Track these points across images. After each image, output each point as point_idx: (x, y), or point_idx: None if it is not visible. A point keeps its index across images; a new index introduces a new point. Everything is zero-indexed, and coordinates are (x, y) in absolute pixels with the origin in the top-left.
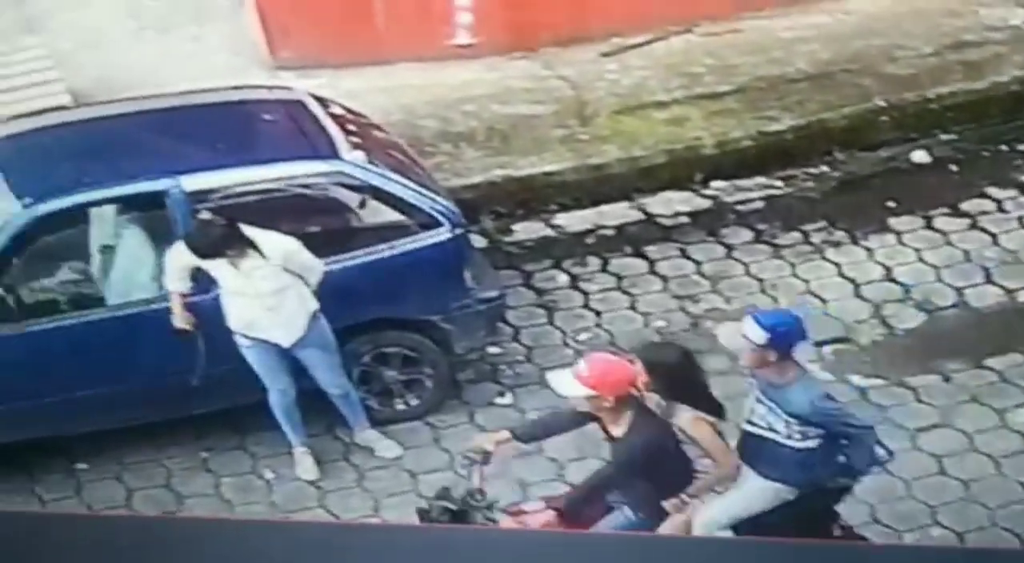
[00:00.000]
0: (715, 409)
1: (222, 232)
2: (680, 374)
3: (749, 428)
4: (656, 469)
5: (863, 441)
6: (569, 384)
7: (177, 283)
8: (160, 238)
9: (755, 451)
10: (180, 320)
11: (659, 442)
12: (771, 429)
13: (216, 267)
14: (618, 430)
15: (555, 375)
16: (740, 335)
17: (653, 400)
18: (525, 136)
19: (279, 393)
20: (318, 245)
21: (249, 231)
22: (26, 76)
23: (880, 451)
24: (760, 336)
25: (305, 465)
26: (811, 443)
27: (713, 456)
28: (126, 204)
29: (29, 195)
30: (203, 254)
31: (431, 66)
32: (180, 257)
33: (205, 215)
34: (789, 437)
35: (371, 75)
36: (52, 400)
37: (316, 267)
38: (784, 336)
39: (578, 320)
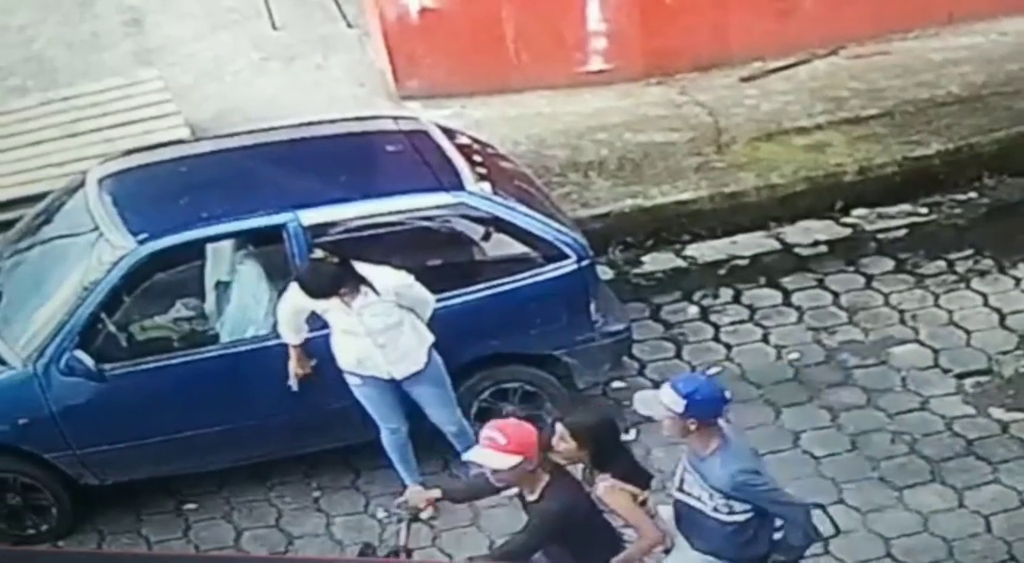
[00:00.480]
0: (640, 477)
1: (335, 271)
2: (604, 440)
3: (679, 496)
4: (576, 536)
5: (795, 519)
6: (494, 457)
7: (293, 335)
8: (276, 273)
9: (686, 521)
10: (298, 368)
11: (576, 507)
12: (699, 500)
13: (328, 309)
14: (533, 495)
15: (474, 453)
16: (658, 402)
17: (577, 468)
18: (658, 164)
19: (390, 431)
20: (439, 279)
21: (360, 267)
22: (144, 109)
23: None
24: (677, 403)
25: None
26: (739, 517)
27: (633, 526)
28: (243, 239)
29: (144, 231)
30: (316, 295)
31: (562, 94)
32: (293, 303)
33: (317, 254)
34: (715, 510)
35: (499, 104)
36: (162, 439)
37: (428, 300)
38: (703, 404)
39: (707, 353)
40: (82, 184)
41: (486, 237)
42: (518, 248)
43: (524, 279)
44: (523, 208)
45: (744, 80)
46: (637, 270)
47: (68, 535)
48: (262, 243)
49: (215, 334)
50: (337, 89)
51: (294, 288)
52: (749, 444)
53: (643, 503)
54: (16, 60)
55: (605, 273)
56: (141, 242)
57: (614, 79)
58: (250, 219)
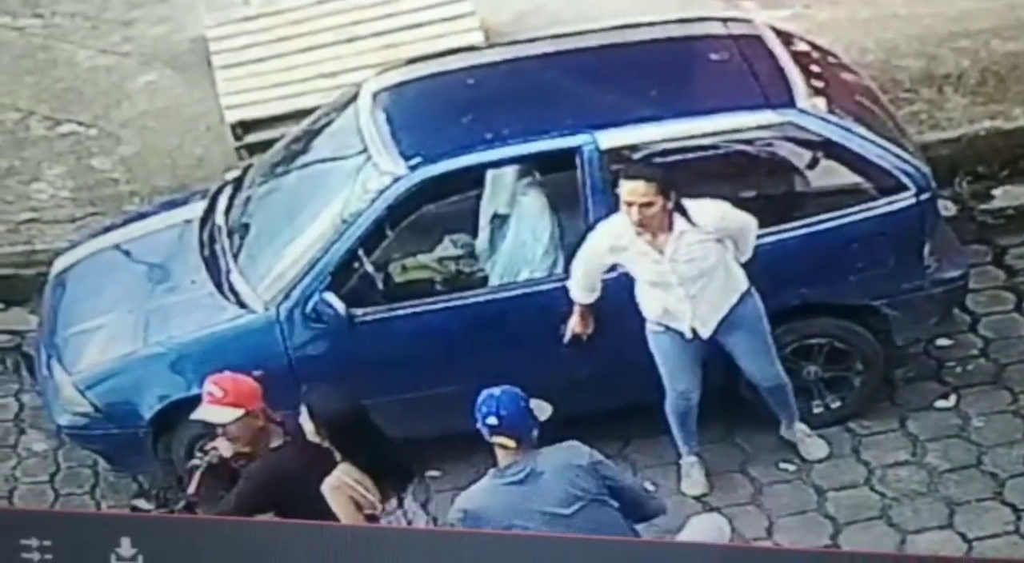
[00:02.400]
0: (395, 477)
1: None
2: (345, 427)
3: None
4: (301, 508)
5: None
6: (214, 411)
7: (585, 293)
8: (562, 206)
9: None
10: (579, 326)
11: (297, 477)
12: None
13: (634, 259)
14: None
15: (197, 411)
16: None
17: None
18: None
19: (678, 394)
20: (751, 214)
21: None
22: (433, 10)
23: None
24: (492, 419)
25: (692, 477)
26: None
27: None
28: (529, 165)
29: (418, 154)
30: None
31: None
32: (596, 252)
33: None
34: None
35: (849, 4)
36: (412, 397)
37: (750, 224)
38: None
39: None
40: (354, 98)
41: (812, 164)
42: (848, 177)
43: (851, 214)
44: (861, 129)
45: None
46: (985, 206)
47: None
48: (550, 170)
49: (484, 276)
50: None
51: (598, 234)
52: None
53: (399, 503)
54: None
55: (947, 209)
56: (413, 168)
57: None
58: (540, 141)
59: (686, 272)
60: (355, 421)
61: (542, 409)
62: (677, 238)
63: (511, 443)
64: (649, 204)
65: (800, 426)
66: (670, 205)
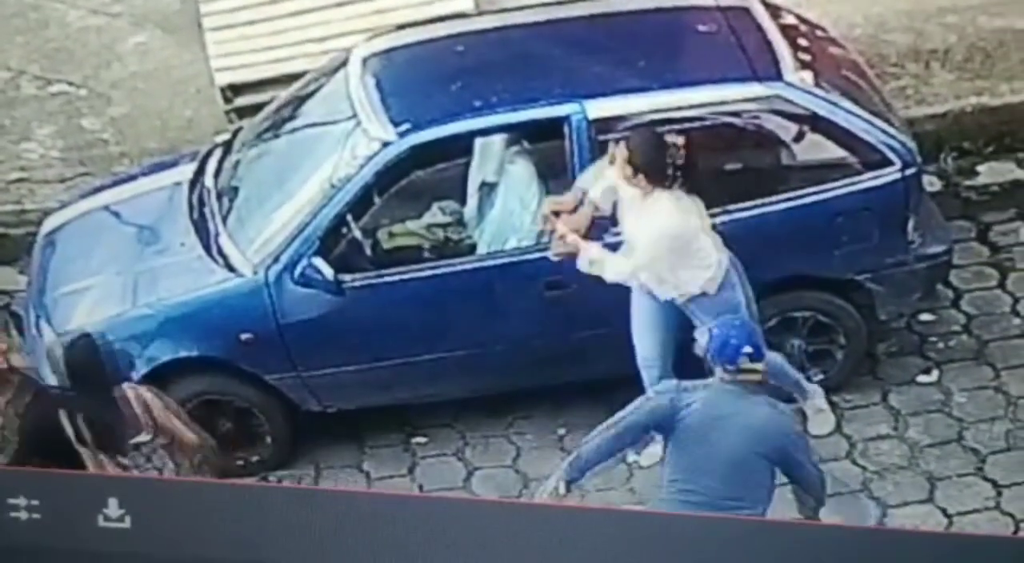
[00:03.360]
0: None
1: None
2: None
3: None
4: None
5: None
6: None
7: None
8: (550, 175)
9: None
10: (561, 246)
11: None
12: None
13: (627, 202)
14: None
15: None
16: None
17: None
18: (1013, 56)
19: (640, 361)
20: (736, 186)
21: None
22: None
23: None
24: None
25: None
26: None
27: None
28: (517, 133)
29: (408, 120)
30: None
31: None
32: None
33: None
34: None
35: None
36: (399, 362)
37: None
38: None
39: None
40: (344, 64)
41: (798, 137)
42: (834, 151)
43: (836, 189)
44: (847, 103)
45: None
46: (969, 182)
47: (280, 467)
48: (538, 139)
49: (472, 243)
50: None
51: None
52: None
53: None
54: None
55: (931, 184)
56: (402, 134)
57: None
58: (528, 109)
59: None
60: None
61: None
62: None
63: (761, 367)
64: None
65: (814, 401)
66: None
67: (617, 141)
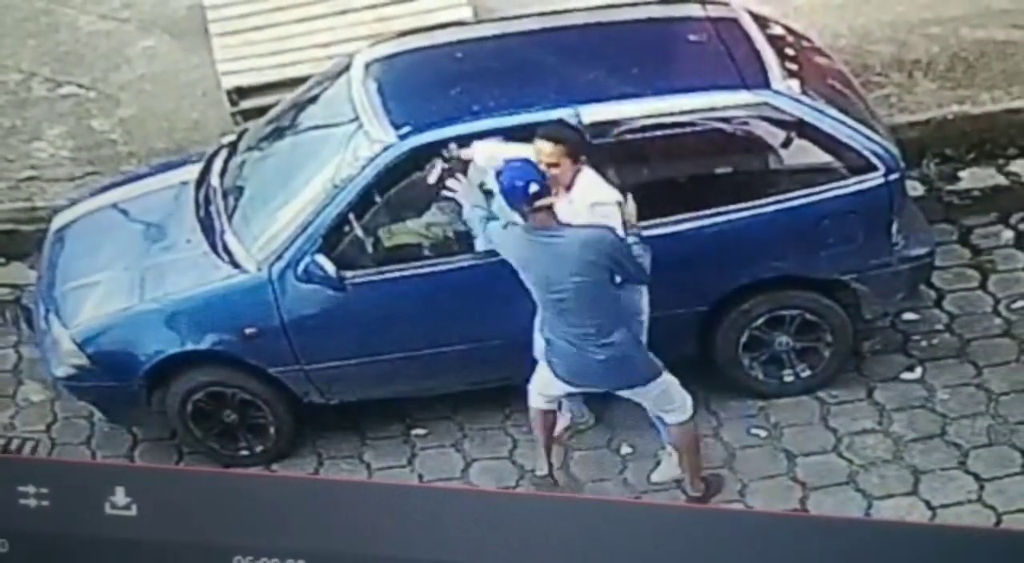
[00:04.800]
0: None
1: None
2: None
3: None
4: None
5: None
6: None
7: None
8: None
9: None
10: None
11: None
12: None
13: None
14: None
15: None
16: None
17: None
18: (994, 67)
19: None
20: (726, 189)
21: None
22: None
23: None
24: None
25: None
26: None
27: None
28: (515, 137)
29: (408, 123)
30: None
31: None
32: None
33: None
34: None
35: None
36: (400, 356)
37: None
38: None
39: (1017, 285)
40: (347, 68)
41: (786, 143)
42: (820, 157)
43: (822, 192)
44: (833, 111)
45: None
46: (951, 187)
47: (283, 458)
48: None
49: (470, 243)
50: None
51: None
52: None
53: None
54: None
55: (914, 189)
56: (402, 136)
57: None
58: (524, 114)
59: None
60: None
61: None
62: (567, 204)
63: (551, 201)
64: (555, 164)
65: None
66: (580, 169)
67: None
